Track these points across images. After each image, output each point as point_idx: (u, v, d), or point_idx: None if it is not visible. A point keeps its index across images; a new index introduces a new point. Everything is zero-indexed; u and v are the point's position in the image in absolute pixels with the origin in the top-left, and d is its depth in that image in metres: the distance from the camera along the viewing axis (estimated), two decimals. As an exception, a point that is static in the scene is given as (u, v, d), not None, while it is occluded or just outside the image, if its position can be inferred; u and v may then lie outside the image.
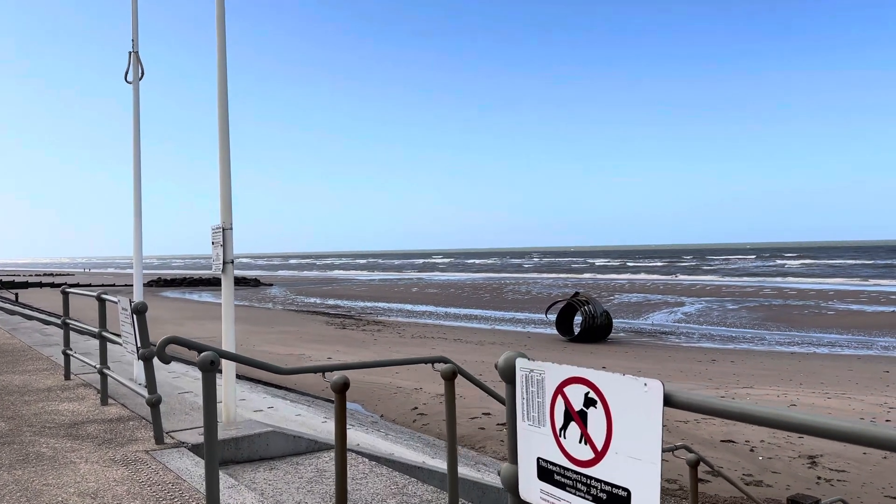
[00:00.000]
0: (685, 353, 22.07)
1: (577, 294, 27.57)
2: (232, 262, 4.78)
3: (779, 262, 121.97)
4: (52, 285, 77.60)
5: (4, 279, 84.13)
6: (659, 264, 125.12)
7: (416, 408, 13.68)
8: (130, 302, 4.63)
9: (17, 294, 43.54)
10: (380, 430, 8.57)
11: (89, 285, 77.39)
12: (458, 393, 14.28)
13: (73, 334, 11.44)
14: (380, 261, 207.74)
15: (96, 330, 5.71)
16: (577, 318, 28.15)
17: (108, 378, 5.75)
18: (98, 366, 5.73)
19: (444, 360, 4.26)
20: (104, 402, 5.93)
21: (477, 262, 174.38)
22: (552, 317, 28.08)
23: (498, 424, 12.06)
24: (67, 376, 7.16)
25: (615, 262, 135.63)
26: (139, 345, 4.56)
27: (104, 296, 5.42)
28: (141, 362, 5.04)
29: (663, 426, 1.78)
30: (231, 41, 4.78)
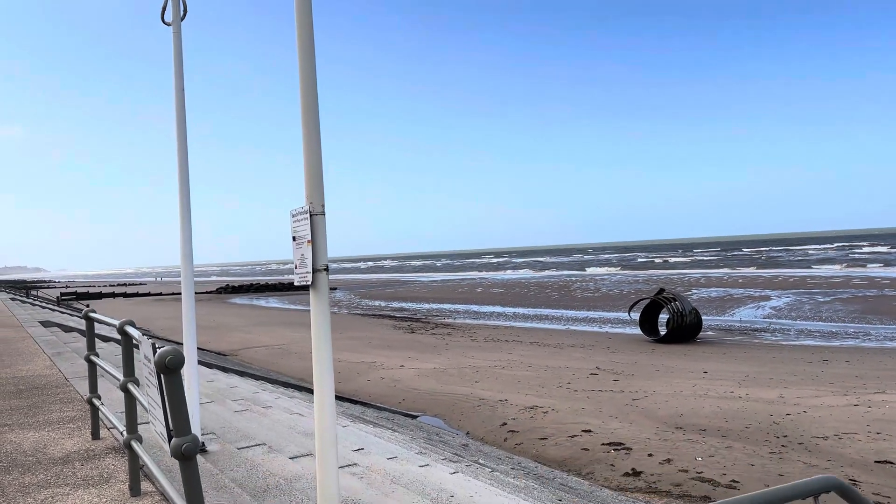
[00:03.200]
0: (790, 353, 20.02)
1: (661, 291, 25.68)
2: (327, 270, 3.21)
3: (858, 250, 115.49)
4: (125, 295, 79.51)
5: (79, 291, 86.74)
6: (730, 256, 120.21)
7: (504, 423, 12.31)
8: (155, 348, 2.74)
9: (88, 306, 44.13)
10: (478, 463, 7.22)
11: (160, 294, 78.92)
12: (545, 406, 12.72)
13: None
14: (435, 262, 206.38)
15: (121, 378, 3.84)
16: (662, 317, 26.28)
17: (140, 456, 3.75)
18: (125, 433, 3.94)
19: (843, 490, 2.60)
20: (135, 491, 4.00)
21: (530, 259, 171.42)
22: (636, 315, 26.27)
23: (603, 444, 10.58)
24: (95, 434, 5.30)
25: (680, 258, 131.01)
26: (170, 426, 2.67)
27: (129, 328, 3.57)
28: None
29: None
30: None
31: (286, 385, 13.36)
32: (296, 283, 3.28)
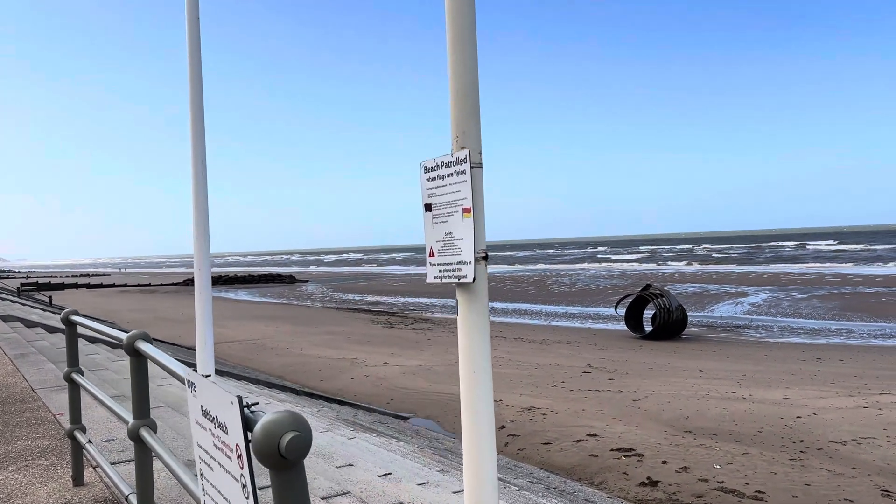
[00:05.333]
0: (780, 351, 19.72)
1: (648, 286, 25.27)
2: (486, 258, 1.92)
3: (818, 247, 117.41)
4: (88, 286, 77.14)
5: (41, 281, 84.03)
6: (695, 252, 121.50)
7: (503, 426, 11.64)
8: (246, 410, 1.40)
9: (50, 297, 42.47)
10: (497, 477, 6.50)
11: (125, 285, 76.78)
12: (543, 407, 12.06)
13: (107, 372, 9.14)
14: (395, 256, 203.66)
15: (128, 419, 2.66)
16: (647, 314, 25.87)
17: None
18: (133, 500, 2.74)
19: None
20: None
21: (499, 254, 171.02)
22: (622, 311, 25.82)
23: (612, 450, 9.97)
24: (78, 478, 3.87)
25: (645, 253, 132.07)
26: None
27: (141, 345, 2.42)
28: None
29: None
30: None
31: (269, 385, 12.53)
32: (431, 280, 2.01)
